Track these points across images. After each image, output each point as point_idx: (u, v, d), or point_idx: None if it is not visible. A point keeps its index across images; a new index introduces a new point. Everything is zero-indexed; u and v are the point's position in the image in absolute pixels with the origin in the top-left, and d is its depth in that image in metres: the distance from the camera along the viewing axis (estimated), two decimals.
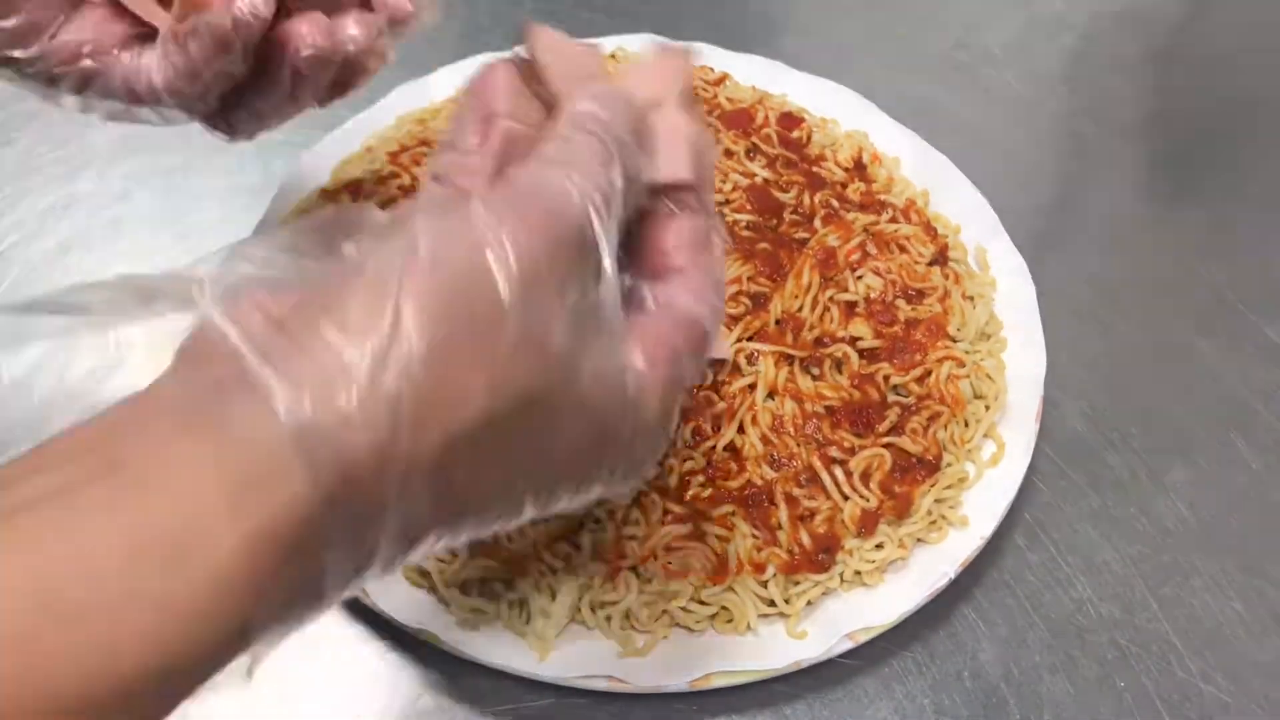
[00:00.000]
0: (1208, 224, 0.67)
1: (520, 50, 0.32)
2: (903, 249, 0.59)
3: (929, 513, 0.50)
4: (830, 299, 0.56)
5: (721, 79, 0.69)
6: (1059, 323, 0.60)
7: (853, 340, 0.55)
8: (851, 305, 0.56)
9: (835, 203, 0.61)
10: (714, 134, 0.64)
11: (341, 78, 0.43)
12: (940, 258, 0.59)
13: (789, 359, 0.54)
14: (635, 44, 0.70)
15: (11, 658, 0.19)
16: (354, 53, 0.41)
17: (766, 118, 0.65)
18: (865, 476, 0.51)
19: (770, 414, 0.52)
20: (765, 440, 0.51)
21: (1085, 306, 0.62)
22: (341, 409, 0.22)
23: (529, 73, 0.32)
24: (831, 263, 0.58)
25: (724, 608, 0.47)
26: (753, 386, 0.53)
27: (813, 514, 0.49)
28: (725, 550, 0.48)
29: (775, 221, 0.60)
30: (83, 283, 0.24)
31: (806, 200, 0.61)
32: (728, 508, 0.49)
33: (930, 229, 0.61)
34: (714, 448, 0.51)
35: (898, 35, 0.77)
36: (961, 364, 0.55)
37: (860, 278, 0.57)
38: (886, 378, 0.54)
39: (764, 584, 0.47)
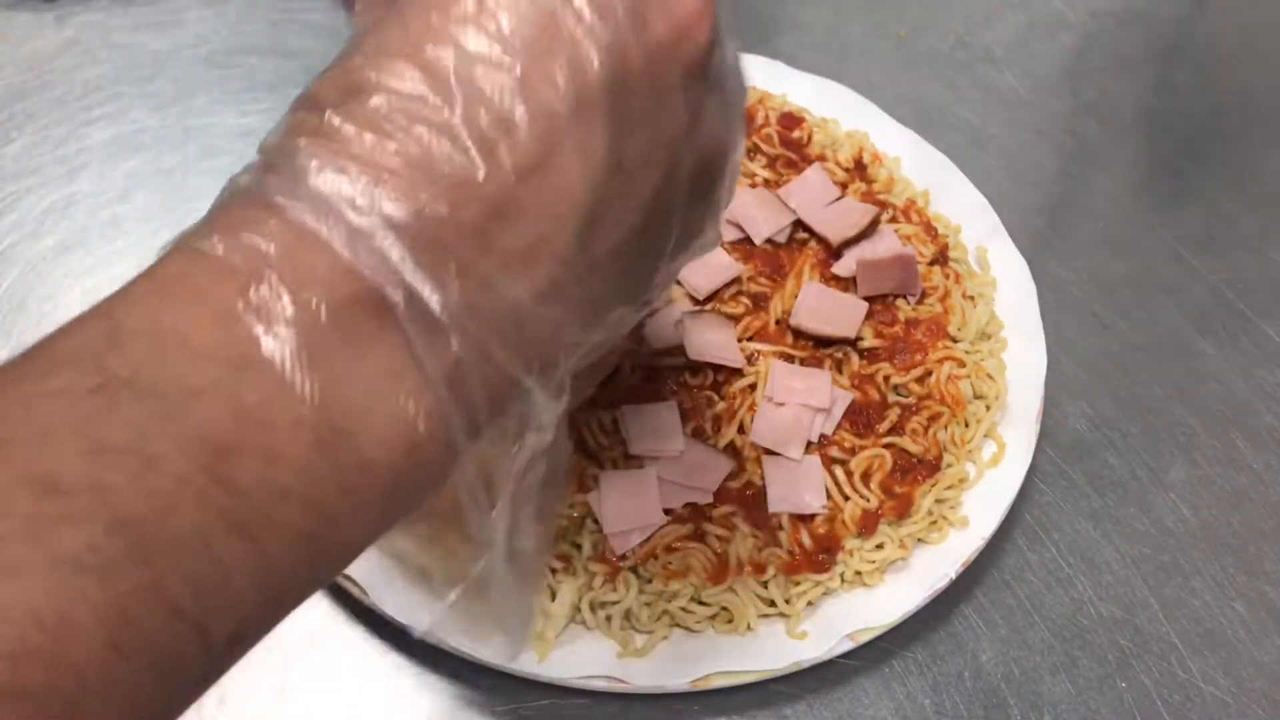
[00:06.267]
0: (1208, 223, 0.67)
1: None
2: None
3: (929, 513, 0.50)
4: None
5: None
6: (1059, 323, 0.60)
7: (853, 340, 0.55)
8: None
9: None
10: None
11: None
12: (940, 258, 0.59)
13: (789, 359, 0.54)
14: None
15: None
16: None
17: (766, 118, 0.65)
18: (866, 477, 0.51)
19: None
20: None
21: (1085, 306, 0.62)
22: None
23: None
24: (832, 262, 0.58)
25: (724, 608, 0.47)
26: (753, 387, 0.52)
27: (813, 514, 0.49)
28: (725, 550, 0.48)
29: None
30: None
31: None
32: (728, 508, 0.49)
33: (930, 229, 0.61)
34: (714, 448, 0.51)
35: (898, 35, 0.77)
36: (962, 364, 0.55)
37: None
38: (887, 378, 0.54)
39: (764, 584, 0.47)
